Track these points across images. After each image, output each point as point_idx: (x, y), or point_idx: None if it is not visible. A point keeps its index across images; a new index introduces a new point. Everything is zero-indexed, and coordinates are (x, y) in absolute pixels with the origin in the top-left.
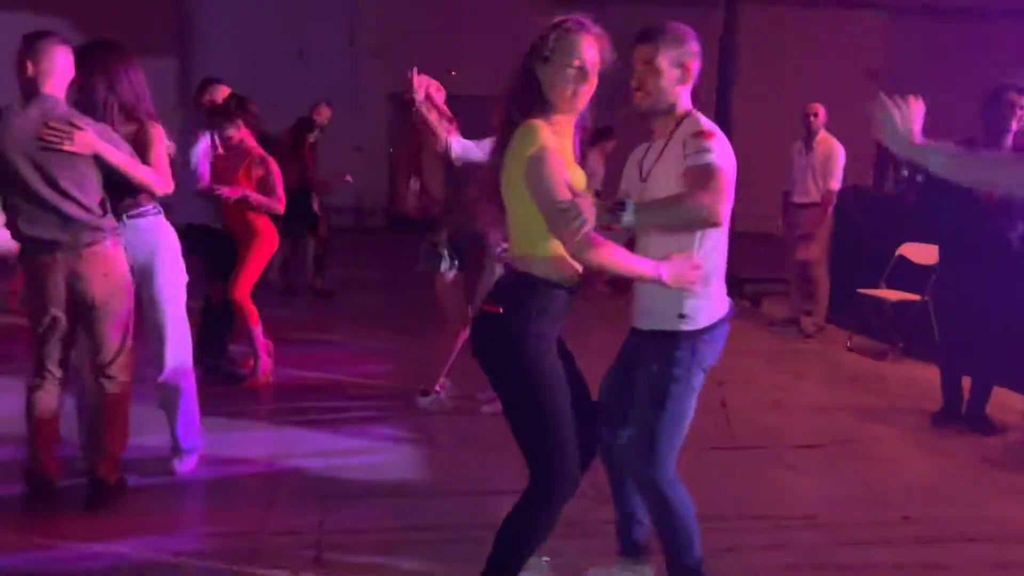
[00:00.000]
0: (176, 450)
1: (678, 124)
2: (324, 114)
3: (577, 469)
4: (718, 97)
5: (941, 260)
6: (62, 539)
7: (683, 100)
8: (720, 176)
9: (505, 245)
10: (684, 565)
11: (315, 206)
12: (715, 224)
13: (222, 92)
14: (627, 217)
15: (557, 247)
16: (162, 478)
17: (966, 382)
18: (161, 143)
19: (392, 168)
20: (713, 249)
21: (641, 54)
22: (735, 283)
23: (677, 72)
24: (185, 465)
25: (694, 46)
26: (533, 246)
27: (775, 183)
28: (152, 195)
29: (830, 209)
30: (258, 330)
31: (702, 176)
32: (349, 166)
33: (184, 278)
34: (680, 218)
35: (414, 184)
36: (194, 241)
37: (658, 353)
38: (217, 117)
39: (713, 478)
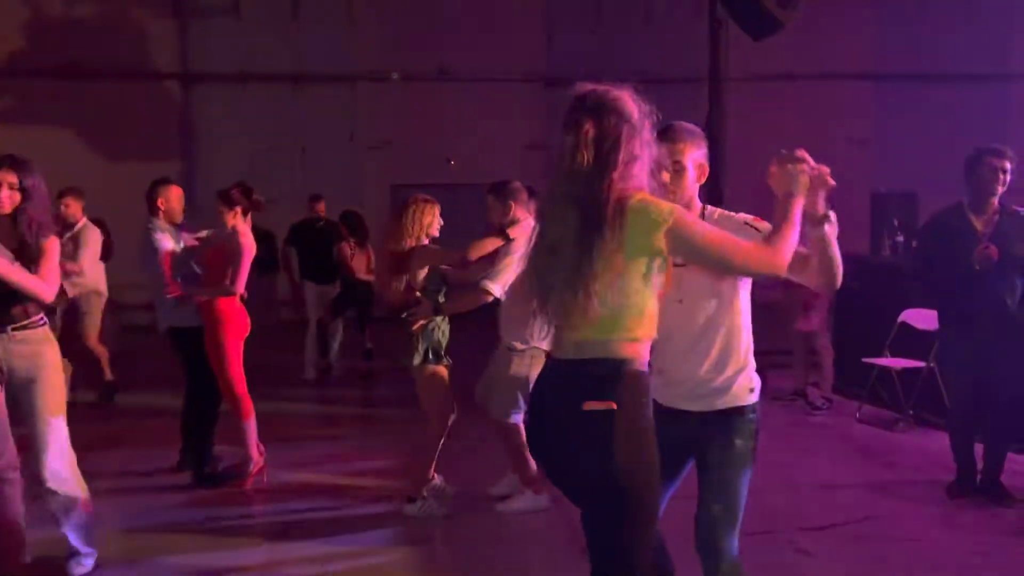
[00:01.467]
0: (73, 554)
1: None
2: (320, 208)
3: None
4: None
5: (940, 326)
6: None
7: (697, 196)
8: None
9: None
10: None
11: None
12: None
13: (174, 192)
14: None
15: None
16: None
17: (980, 449)
18: (54, 254)
19: (378, 262)
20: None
21: (669, 152)
22: None
23: (698, 172)
24: (81, 568)
25: (705, 145)
26: (629, 329)
27: None
28: (41, 305)
29: None
30: (251, 426)
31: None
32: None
33: (64, 388)
34: None
35: (397, 281)
36: (177, 343)
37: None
38: (219, 203)
39: None
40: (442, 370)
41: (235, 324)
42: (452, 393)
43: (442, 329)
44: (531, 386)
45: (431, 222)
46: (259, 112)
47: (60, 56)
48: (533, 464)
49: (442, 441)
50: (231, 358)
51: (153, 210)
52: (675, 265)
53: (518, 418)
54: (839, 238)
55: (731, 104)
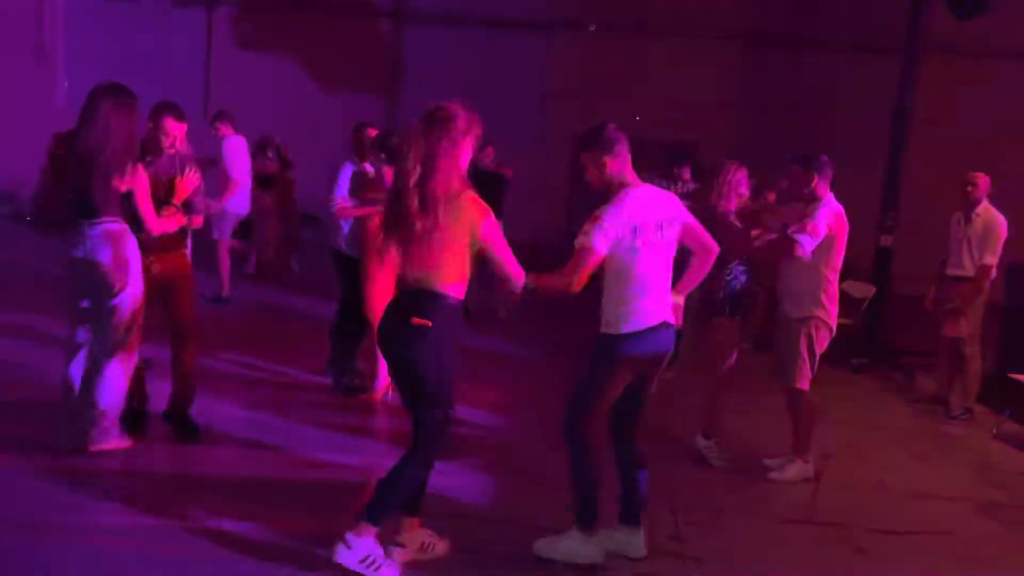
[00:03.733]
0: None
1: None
2: (488, 155)
3: None
4: (889, 158)
5: None
6: None
7: (617, 177)
8: (579, 253)
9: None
10: None
11: None
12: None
13: (370, 132)
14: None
15: None
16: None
17: None
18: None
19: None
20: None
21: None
22: (887, 354)
23: (602, 163)
24: None
25: (609, 138)
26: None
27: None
28: None
29: (985, 284)
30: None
31: (573, 254)
32: (532, 203)
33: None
34: (552, 285)
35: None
36: (338, 266)
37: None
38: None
39: (772, 550)
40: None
41: (383, 259)
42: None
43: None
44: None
45: (737, 184)
46: (459, 55)
47: None
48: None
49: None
50: (376, 288)
51: (354, 148)
52: None
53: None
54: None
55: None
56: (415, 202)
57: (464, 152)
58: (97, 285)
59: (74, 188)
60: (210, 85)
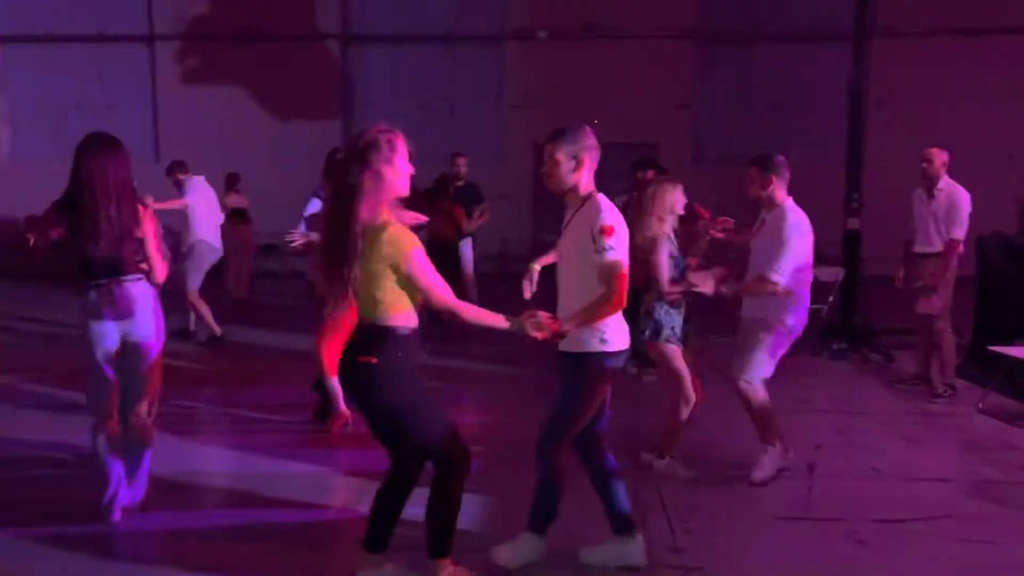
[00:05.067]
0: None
1: (583, 203)
2: (460, 164)
3: None
4: (848, 141)
5: None
6: None
7: (583, 184)
8: (621, 272)
9: None
10: None
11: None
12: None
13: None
14: (566, 326)
15: None
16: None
17: None
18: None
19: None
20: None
21: (546, 151)
22: (864, 335)
23: (572, 163)
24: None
25: (588, 141)
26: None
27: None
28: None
29: (953, 259)
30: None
31: (609, 274)
32: (495, 213)
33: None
34: (600, 318)
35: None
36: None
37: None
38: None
39: (773, 551)
40: (672, 349)
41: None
42: (689, 372)
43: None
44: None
45: (676, 201)
46: (412, 72)
47: (235, 20)
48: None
49: (685, 413)
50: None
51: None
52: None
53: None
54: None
55: (875, 65)
56: (330, 234)
57: (391, 179)
58: (133, 347)
59: (94, 247)
60: (159, 124)
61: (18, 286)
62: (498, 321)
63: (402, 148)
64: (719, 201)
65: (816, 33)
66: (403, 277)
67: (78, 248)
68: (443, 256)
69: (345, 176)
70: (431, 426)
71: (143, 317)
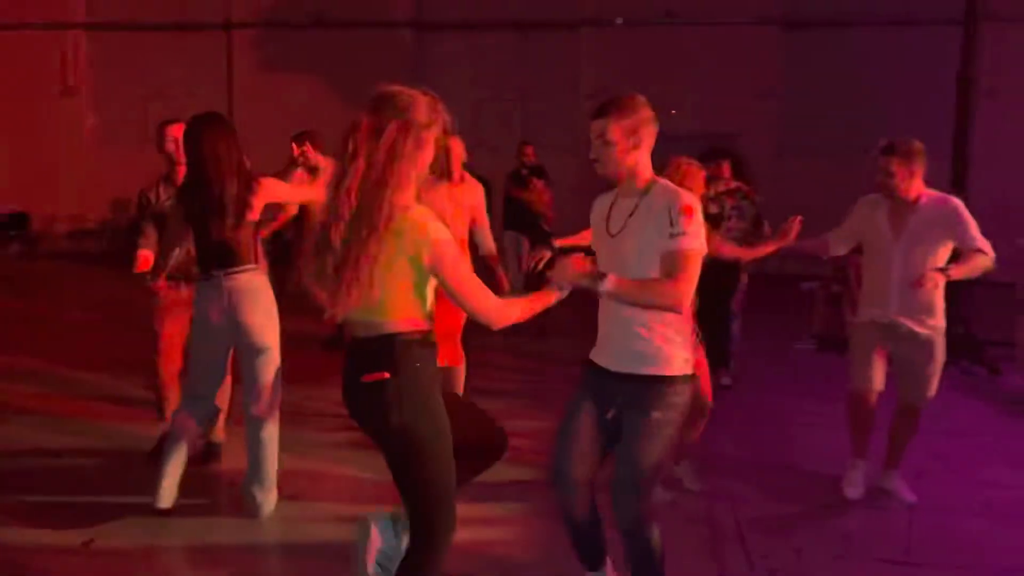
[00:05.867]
0: None
1: (649, 187)
2: (528, 153)
3: None
4: (955, 133)
5: None
6: None
7: (643, 166)
8: (694, 264)
9: None
10: None
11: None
12: (678, 311)
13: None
14: (605, 287)
15: None
16: None
17: None
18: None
19: None
20: None
21: (593, 128)
22: (966, 346)
23: (631, 141)
24: None
25: (646, 112)
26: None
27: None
28: None
29: None
30: None
31: (678, 264)
32: (567, 205)
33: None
34: (649, 302)
35: None
36: None
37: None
38: None
39: None
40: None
41: None
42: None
43: None
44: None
45: (693, 189)
46: (484, 60)
47: (310, 8)
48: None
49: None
50: None
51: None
52: (609, 235)
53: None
54: None
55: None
56: (346, 213)
57: (427, 152)
58: (248, 343)
59: (206, 235)
60: (233, 109)
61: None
62: (548, 298)
63: (441, 118)
64: (804, 197)
65: (913, 17)
66: (424, 274)
67: (192, 234)
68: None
69: (379, 132)
70: (441, 472)
71: (255, 311)
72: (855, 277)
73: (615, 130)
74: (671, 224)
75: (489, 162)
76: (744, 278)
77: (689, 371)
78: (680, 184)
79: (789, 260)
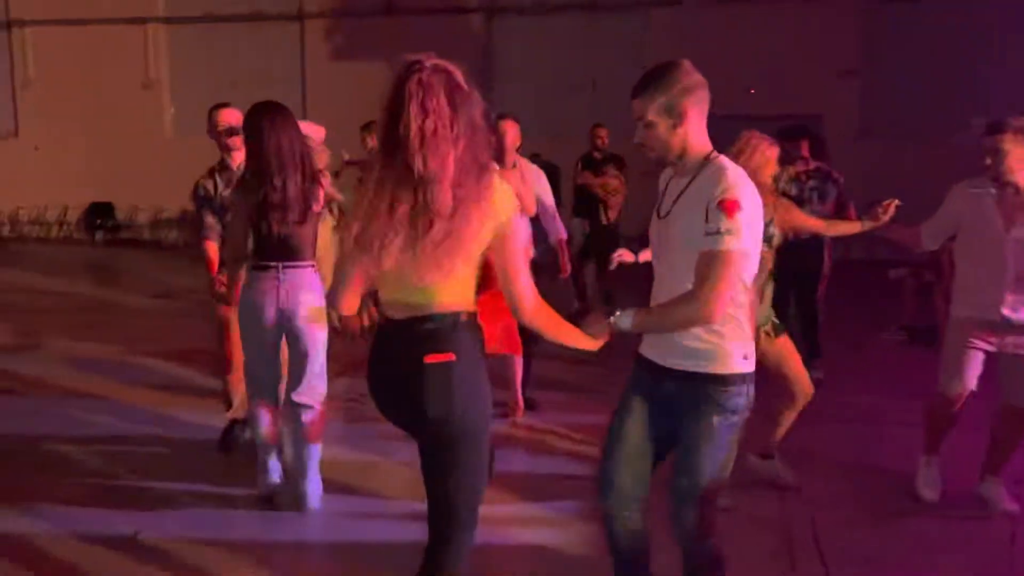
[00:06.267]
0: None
1: (702, 166)
2: (601, 136)
3: None
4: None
5: None
6: None
7: (695, 139)
8: (730, 268)
9: None
10: None
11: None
12: (709, 324)
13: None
14: (629, 327)
15: None
16: None
17: None
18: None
19: None
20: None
21: (633, 110)
22: None
23: (670, 119)
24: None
25: (687, 80)
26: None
27: None
28: None
29: None
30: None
31: (710, 268)
32: (638, 190)
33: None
34: (679, 325)
35: None
36: None
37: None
38: None
39: None
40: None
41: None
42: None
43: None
44: None
45: (763, 166)
46: (553, 44)
47: None
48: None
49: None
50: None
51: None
52: (659, 217)
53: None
54: None
55: None
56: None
57: (484, 124)
58: (298, 336)
59: (268, 229)
60: (306, 98)
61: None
62: (580, 341)
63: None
64: (888, 182)
65: None
66: (482, 250)
67: (254, 226)
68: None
69: (447, 89)
70: (479, 465)
71: (308, 304)
72: (948, 266)
73: (651, 110)
74: (707, 220)
75: (559, 147)
76: (828, 263)
77: (749, 369)
78: (748, 162)
79: (879, 244)
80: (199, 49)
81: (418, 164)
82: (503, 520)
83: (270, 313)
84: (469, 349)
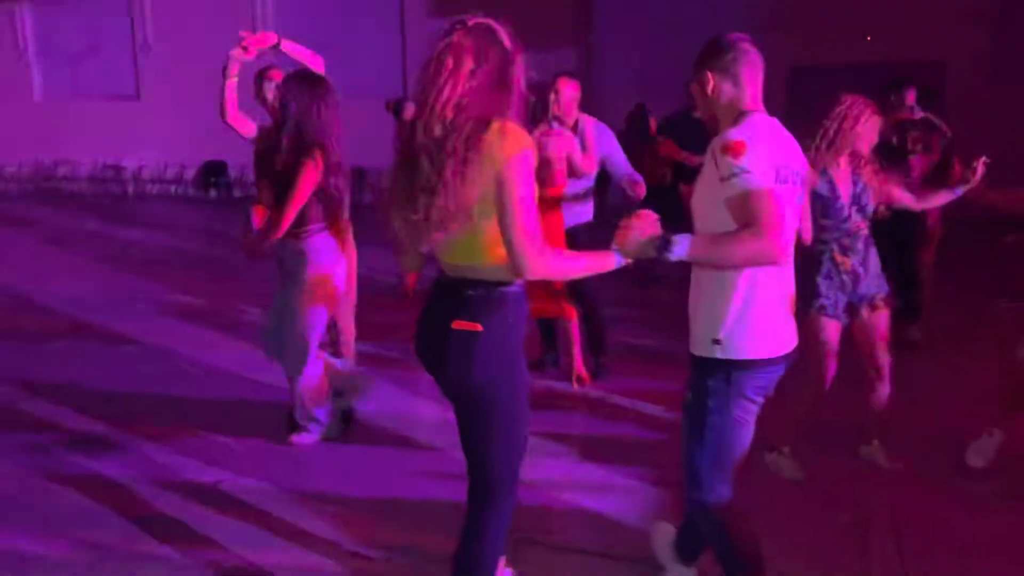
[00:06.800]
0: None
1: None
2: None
3: None
4: None
5: None
6: None
7: (737, 101)
8: (764, 203)
9: None
10: None
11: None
12: (776, 263)
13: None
14: (676, 254)
15: None
16: None
17: None
18: (308, 180)
19: None
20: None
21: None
22: None
23: (719, 80)
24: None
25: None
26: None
27: None
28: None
29: None
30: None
31: (746, 208)
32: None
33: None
34: (732, 259)
35: None
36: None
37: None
38: None
39: None
40: (822, 322)
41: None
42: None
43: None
44: None
45: (861, 136)
46: (655, 3)
47: None
48: None
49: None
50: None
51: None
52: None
53: None
54: None
55: None
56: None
57: (519, 84)
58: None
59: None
60: (406, 57)
61: None
62: (606, 262)
63: (521, 54)
64: (1019, 134)
65: None
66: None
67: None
68: (658, 203)
69: (476, 48)
70: (512, 435)
71: (307, 270)
72: None
73: (707, 73)
74: (717, 166)
75: (665, 104)
76: (936, 227)
77: (731, 356)
78: (848, 133)
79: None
80: (303, 8)
81: (433, 125)
82: (564, 484)
83: (281, 279)
84: (501, 323)
